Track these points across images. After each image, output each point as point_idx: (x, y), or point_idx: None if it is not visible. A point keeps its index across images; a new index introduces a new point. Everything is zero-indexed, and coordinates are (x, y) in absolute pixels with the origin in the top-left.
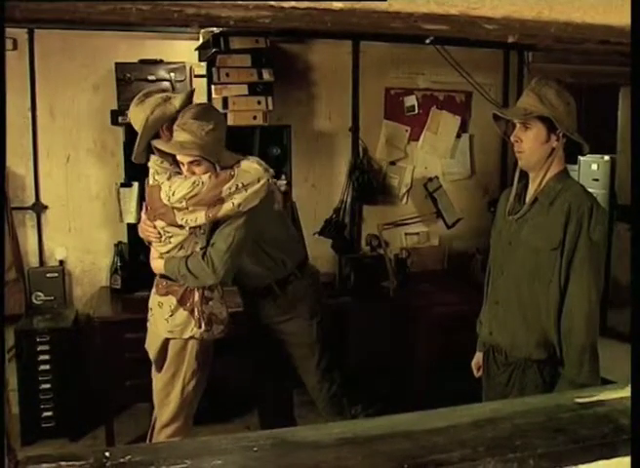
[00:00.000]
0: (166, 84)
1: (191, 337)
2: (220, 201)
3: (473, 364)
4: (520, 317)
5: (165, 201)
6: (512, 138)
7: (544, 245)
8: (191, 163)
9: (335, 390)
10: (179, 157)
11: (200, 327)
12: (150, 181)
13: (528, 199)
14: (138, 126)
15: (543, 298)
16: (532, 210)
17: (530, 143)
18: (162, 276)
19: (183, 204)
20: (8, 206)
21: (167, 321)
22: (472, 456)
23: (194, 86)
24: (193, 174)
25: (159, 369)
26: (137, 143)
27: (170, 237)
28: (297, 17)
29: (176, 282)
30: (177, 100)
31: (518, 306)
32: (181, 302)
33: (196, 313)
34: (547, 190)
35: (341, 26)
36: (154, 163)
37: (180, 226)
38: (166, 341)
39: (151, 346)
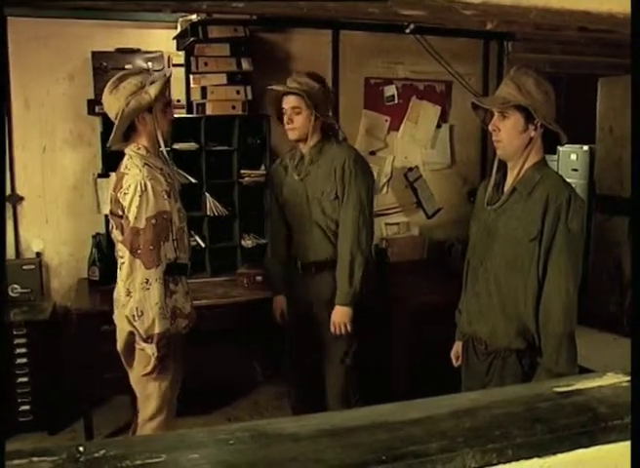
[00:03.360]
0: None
1: None
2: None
3: (452, 353)
4: (499, 307)
5: (131, 218)
6: (490, 127)
7: (522, 235)
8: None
9: (347, 389)
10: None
11: None
12: (121, 168)
13: (506, 189)
14: (112, 115)
15: (522, 288)
16: (510, 200)
17: (507, 132)
18: None
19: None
20: None
21: None
22: (451, 447)
23: (172, 75)
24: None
25: (128, 363)
26: (113, 132)
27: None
28: (270, 2)
29: None
30: (152, 90)
31: (497, 296)
32: None
33: None
34: (526, 180)
35: (318, 12)
36: (130, 149)
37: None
38: (131, 335)
39: (118, 339)
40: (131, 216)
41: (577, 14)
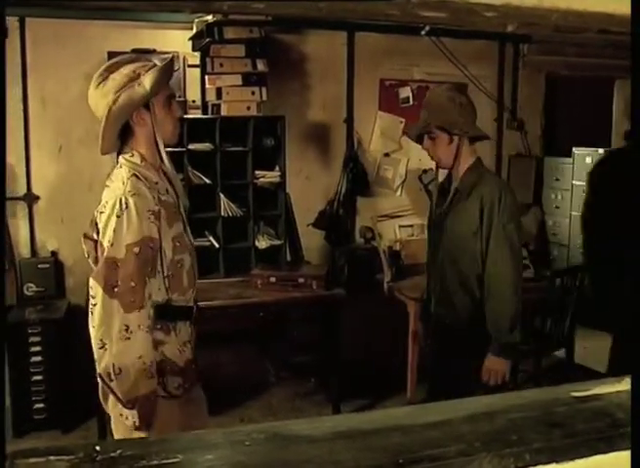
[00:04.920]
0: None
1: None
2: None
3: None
4: (458, 293)
5: (106, 244)
6: (423, 148)
7: (466, 230)
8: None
9: None
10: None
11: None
12: (107, 180)
13: (451, 191)
14: (99, 115)
15: (473, 275)
16: (454, 200)
17: (438, 150)
18: None
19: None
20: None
21: None
22: (468, 451)
23: (188, 76)
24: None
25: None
26: (100, 136)
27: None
28: (290, 2)
29: None
30: (147, 80)
31: (452, 283)
32: None
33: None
34: (464, 183)
35: (336, 14)
36: (122, 156)
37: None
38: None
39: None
40: (106, 243)
41: (598, 16)
